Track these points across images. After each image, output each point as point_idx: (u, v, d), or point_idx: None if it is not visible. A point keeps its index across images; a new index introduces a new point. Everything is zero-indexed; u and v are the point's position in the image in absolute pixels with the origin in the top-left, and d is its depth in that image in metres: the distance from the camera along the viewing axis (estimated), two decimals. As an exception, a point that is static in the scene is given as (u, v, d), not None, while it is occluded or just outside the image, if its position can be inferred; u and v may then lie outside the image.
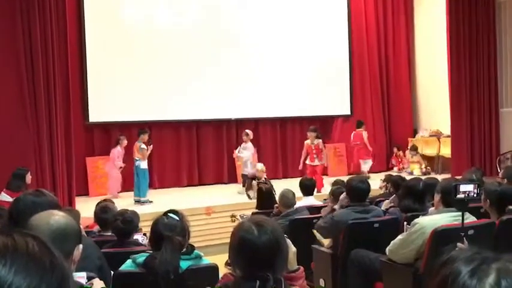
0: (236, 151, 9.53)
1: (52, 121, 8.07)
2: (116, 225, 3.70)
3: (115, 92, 9.94)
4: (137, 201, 8.46)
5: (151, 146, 8.93)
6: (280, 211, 5.36)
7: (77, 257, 1.85)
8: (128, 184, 9.27)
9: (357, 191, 4.40)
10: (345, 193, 4.60)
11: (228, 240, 2.00)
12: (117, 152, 9.17)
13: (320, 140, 9.53)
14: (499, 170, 8.78)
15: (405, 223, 3.97)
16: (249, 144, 9.50)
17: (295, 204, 5.36)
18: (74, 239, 1.85)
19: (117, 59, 10.00)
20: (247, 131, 9.69)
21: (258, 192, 6.47)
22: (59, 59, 8.24)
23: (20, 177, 6.63)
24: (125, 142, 9.16)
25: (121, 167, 9.19)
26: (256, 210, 6.16)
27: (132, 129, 9.62)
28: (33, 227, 1.78)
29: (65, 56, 8.59)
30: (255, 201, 6.59)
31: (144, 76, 10.11)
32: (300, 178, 6.64)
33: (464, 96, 10.64)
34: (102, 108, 9.87)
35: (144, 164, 8.65)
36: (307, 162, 9.53)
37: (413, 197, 4.50)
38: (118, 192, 9.18)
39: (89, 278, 2.07)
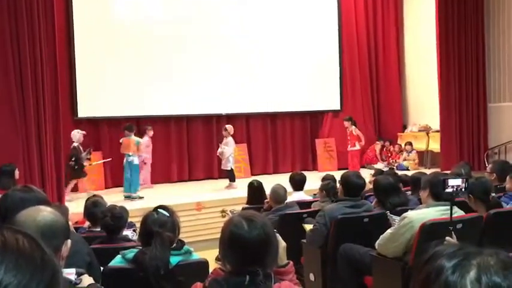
0: (219, 149, 9.46)
1: (40, 116, 7.97)
2: (105, 221, 3.67)
3: (104, 87, 9.88)
4: (127, 197, 8.43)
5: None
6: (271, 206, 5.36)
7: (65, 252, 1.84)
8: (118, 179, 9.23)
9: (353, 186, 4.40)
10: None
11: (218, 236, 2.00)
12: (145, 141, 9.26)
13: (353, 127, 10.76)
14: (486, 165, 8.86)
15: (392, 215, 4.00)
16: (230, 139, 9.39)
17: (286, 200, 5.37)
18: (62, 234, 1.84)
19: (106, 53, 9.93)
20: (226, 126, 9.60)
21: (249, 188, 6.46)
22: (47, 54, 8.14)
23: (8, 174, 6.44)
24: (151, 132, 9.43)
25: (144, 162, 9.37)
26: (247, 206, 6.16)
27: (121, 125, 9.55)
28: (20, 223, 1.76)
29: (53, 50, 8.49)
30: (245, 196, 6.58)
31: (132, 71, 10.05)
32: (290, 173, 6.66)
33: (453, 91, 10.73)
34: (90, 103, 9.80)
35: (137, 160, 8.61)
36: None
37: (392, 193, 4.48)
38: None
39: (78, 274, 2.07)
